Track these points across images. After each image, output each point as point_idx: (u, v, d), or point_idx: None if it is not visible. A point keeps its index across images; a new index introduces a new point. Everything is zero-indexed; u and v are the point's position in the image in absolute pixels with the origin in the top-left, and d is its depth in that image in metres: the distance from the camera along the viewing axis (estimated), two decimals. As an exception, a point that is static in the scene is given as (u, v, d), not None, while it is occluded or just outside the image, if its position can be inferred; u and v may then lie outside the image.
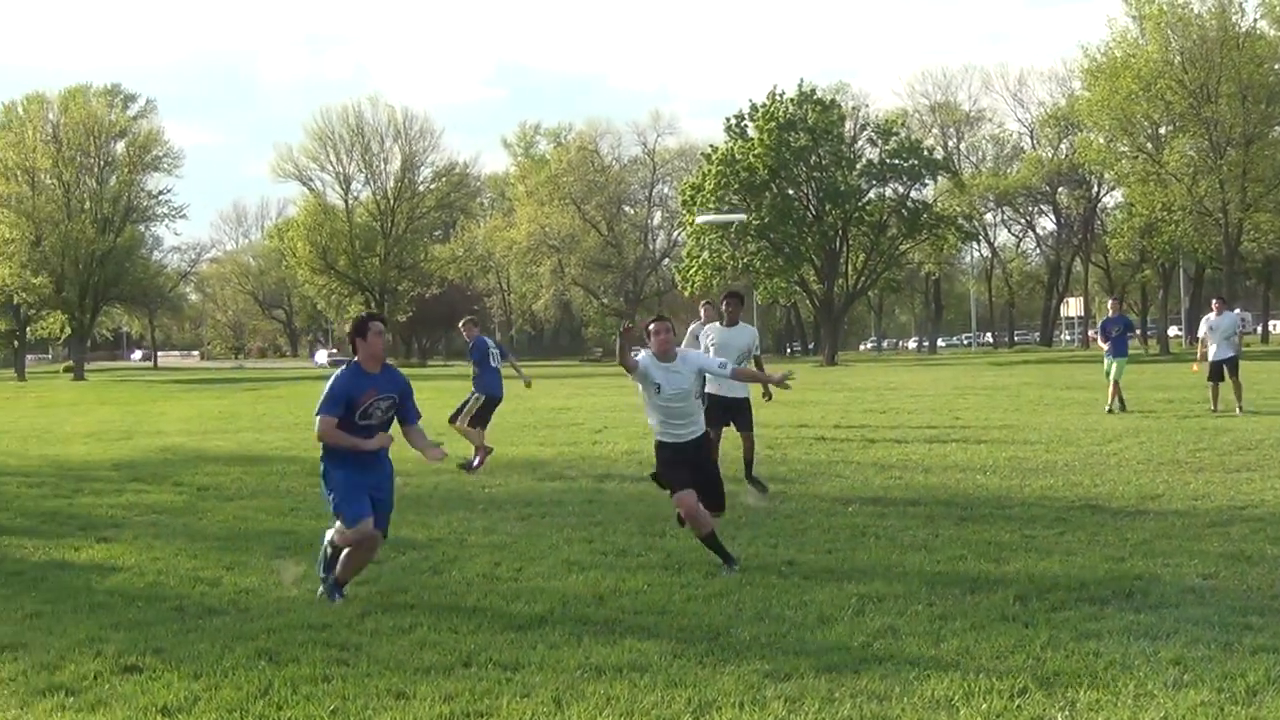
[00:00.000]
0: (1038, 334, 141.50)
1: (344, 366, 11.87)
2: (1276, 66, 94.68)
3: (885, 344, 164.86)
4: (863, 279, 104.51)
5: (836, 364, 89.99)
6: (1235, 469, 19.49)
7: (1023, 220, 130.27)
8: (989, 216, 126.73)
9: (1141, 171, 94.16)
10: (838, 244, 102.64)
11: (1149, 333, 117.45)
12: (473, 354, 24.48)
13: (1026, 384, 48.07)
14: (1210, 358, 30.23)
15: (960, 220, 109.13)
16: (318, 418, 11.73)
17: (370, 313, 12.42)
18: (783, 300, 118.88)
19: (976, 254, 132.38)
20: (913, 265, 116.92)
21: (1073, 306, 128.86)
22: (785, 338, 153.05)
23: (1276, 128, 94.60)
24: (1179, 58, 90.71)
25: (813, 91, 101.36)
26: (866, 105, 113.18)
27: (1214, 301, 33.51)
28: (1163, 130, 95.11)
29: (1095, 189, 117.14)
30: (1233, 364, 29.93)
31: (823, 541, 14.25)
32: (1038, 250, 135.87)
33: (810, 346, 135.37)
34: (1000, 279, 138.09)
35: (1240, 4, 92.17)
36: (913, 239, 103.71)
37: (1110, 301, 36.65)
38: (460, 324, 26.34)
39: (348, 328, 12.27)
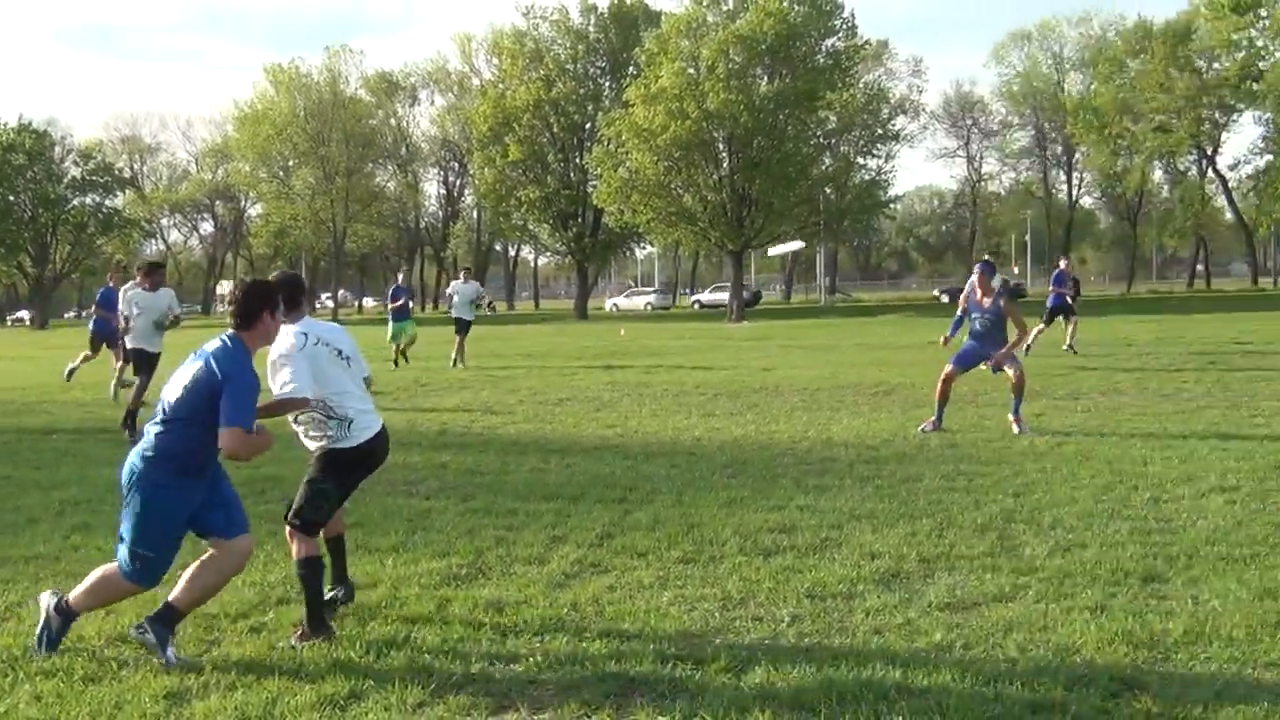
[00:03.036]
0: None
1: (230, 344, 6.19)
2: (370, 122, 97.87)
3: (84, 314, 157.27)
4: (67, 265, 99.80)
5: (47, 328, 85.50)
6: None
7: (190, 224, 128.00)
8: (165, 220, 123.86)
9: (276, 191, 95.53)
10: (48, 238, 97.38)
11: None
12: None
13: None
14: (454, 314, 27.61)
15: (143, 223, 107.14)
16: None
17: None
18: (4, 280, 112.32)
19: (156, 246, 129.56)
20: (107, 254, 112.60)
21: (224, 287, 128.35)
22: (5, 309, 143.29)
23: (369, 164, 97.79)
24: (303, 112, 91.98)
25: (30, 124, 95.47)
26: (72, 135, 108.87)
27: (462, 271, 32.69)
28: (291, 163, 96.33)
29: (243, 202, 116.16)
30: (466, 326, 27.25)
31: (32, 460, 13.44)
32: (201, 245, 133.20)
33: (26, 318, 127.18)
34: (173, 265, 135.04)
35: (346, 76, 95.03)
36: (106, 236, 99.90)
37: (400, 276, 33.20)
38: None
39: (247, 290, 6.34)
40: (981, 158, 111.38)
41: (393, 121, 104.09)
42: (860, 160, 76.12)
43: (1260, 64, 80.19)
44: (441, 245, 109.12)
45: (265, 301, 6.31)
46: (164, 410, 6.20)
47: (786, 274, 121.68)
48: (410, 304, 28.68)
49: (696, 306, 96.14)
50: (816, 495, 10.19)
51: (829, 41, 70.01)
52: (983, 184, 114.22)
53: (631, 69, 75.09)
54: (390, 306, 28.59)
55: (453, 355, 27.02)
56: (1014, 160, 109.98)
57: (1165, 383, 19.03)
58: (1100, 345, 28.10)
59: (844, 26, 70.47)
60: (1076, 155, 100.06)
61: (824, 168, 72.15)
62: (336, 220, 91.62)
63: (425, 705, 5.59)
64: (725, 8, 69.85)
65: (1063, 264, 28.61)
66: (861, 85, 75.33)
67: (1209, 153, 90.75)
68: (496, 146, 79.23)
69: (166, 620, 6.28)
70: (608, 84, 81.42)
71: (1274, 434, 13.08)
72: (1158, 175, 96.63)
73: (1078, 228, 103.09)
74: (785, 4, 66.70)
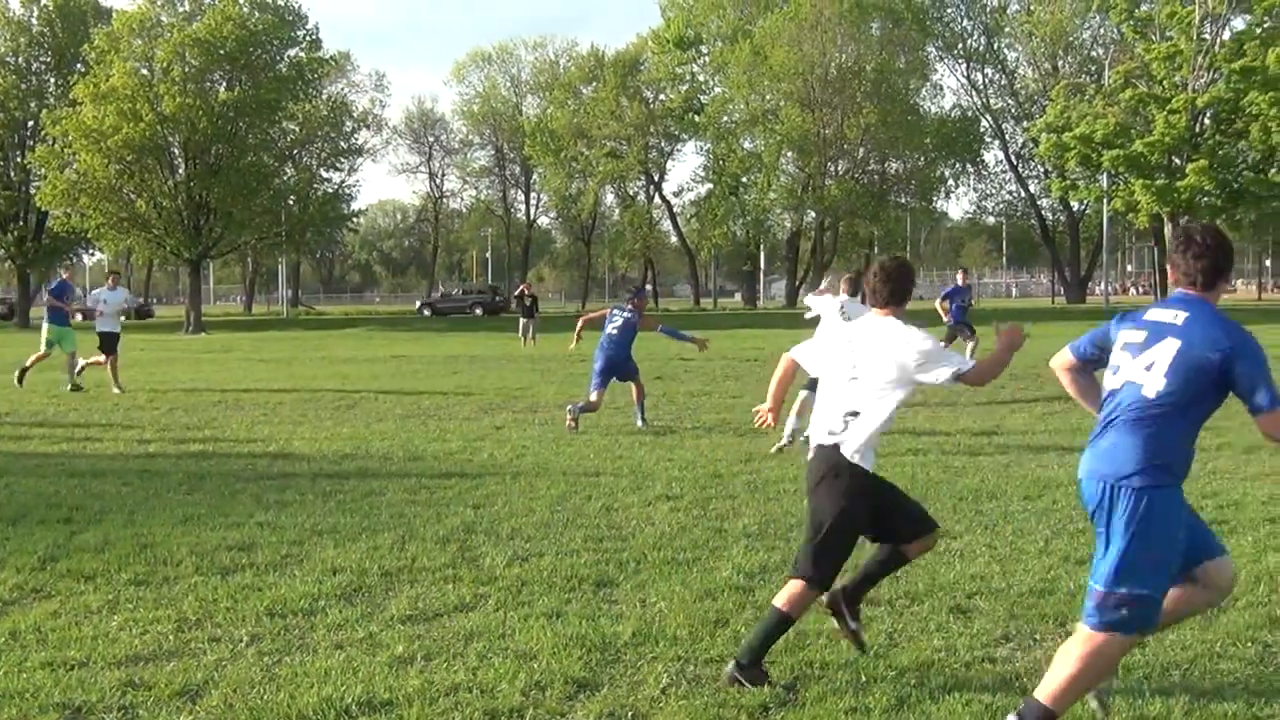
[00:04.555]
0: None
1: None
2: None
3: None
4: None
5: None
6: None
7: None
8: None
9: None
10: None
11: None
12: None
13: None
14: (100, 328, 22.91)
15: None
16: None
17: None
18: None
19: None
20: None
21: None
22: None
23: None
24: None
25: None
26: None
27: (110, 276, 26.24)
28: None
29: None
30: (113, 341, 22.94)
31: None
32: None
33: None
34: None
35: None
36: None
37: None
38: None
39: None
40: (444, 175, 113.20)
41: None
42: (323, 172, 75.63)
43: (701, 97, 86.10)
44: None
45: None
46: (1152, 396, 4.89)
47: (247, 285, 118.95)
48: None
49: None
50: (277, 511, 10.02)
51: (292, 51, 69.23)
52: (445, 201, 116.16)
53: (80, 66, 71.25)
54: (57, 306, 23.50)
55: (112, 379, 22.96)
56: (475, 178, 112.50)
57: (617, 396, 20.02)
58: (557, 360, 29.16)
59: (308, 38, 69.85)
60: (534, 176, 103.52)
61: (286, 178, 71.05)
62: None
63: None
64: (181, 9, 67.58)
65: (960, 278, 26.90)
66: (325, 97, 74.89)
67: (656, 179, 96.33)
68: (-78, 141, 73.21)
69: None
70: (53, 80, 76.81)
71: (714, 444, 14.04)
72: (609, 199, 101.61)
73: (536, 246, 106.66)
74: (245, 9, 65.38)
